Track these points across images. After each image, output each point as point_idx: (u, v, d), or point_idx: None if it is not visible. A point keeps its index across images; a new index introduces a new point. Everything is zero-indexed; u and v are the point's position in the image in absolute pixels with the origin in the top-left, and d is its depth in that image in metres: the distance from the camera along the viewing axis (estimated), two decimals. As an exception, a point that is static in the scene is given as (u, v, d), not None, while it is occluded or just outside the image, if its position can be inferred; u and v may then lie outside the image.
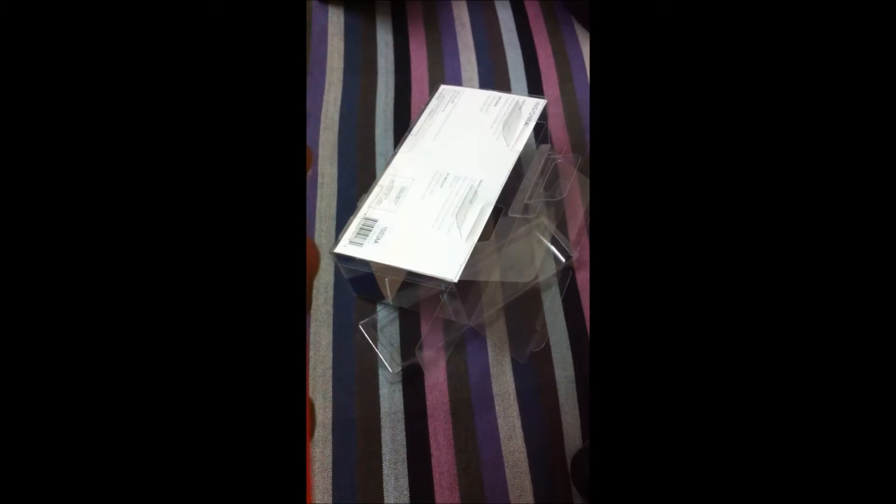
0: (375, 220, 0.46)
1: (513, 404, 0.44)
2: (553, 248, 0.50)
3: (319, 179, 0.56)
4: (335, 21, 0.68)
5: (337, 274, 0.50)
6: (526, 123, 0.51)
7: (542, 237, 0.50)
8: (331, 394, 0.45)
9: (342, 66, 0.64)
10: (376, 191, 0.48)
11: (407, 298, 0.47)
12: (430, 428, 0.44)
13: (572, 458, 0.42)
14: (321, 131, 0.59)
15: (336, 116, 0.60)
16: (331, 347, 0.47)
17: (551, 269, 0.49)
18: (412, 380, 0.45)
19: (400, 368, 0.45)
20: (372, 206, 0.47)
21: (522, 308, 0.48)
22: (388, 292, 0.47)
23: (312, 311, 0.48)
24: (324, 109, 0.60)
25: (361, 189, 0.55)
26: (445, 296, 0.43)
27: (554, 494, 0.41)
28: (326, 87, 0.62)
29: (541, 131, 0.54)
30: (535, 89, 0.62)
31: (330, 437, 0.43)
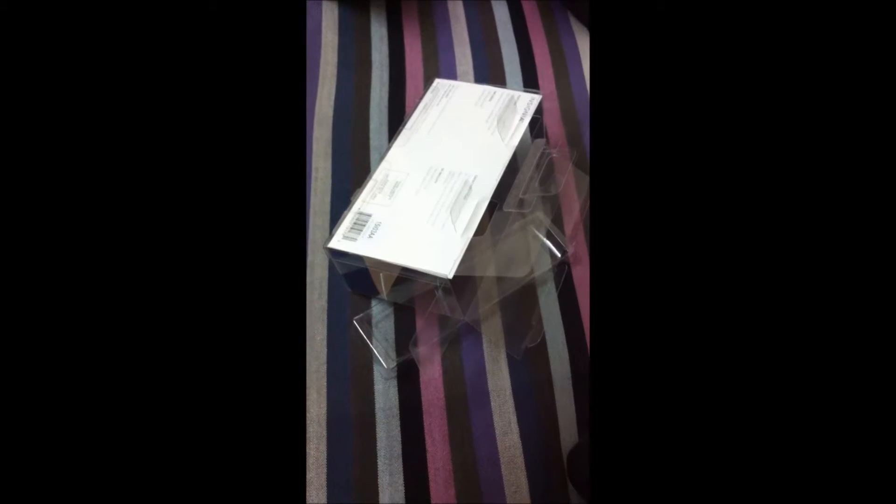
0: (369, 215, 0.45)
1: (508, 400, 0.44)
2: (548, 244, 0.49)
3: (313, 174, 0.55)
4: (329, 15, 0.67)
5: (331, 269, 0.50)
6: (521, 118, 0.51)
7: (537, 232, 0.49)
8: (325, 390, 0.45)
9: (336, 60, 0.63)
10: (370, 185, 0.47)
11: (402, 294, 0.47)
12: (426, 424, 0.43)
13: (568, 453, 0.42)
14: (315, 126, 0.58)
15: (330, 111, 0.59)
16: (325, 343, 0.47)
17: (547, 265, 0.49)
18: (407, 376, 0.45)
19: (395, 364, 0.45)
20: (366, 201, 0.46)
21: (518, 304, 0.48)
22: (383, 288, 0.47)
23: (307, 307, 0.48)
24: (318, 104, 0.60)
25: (356, 184, 0.54)
26: (440, 291, 0.43)
27: (550, 490, 0.41)
28: (320, 81, 0.61)
29: (536, 126, 0.54)
30: (530, 84, 0.62)
31: (325, 433, 0.43)
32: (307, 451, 0.42)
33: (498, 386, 0.45)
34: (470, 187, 0.46)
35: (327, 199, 0.54)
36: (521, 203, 0.48)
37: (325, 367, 0.46)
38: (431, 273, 0.42)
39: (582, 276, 0.49)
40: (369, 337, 0.46)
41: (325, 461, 0.42)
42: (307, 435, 0.43)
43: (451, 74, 0.63)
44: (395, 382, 0.45)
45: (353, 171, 0.55)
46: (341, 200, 0.54)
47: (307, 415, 0.44)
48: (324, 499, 0.41)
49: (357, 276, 0.46)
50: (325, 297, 0.49)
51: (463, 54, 0.64)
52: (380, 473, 0.42)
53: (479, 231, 0.45)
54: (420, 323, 0.47)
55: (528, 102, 0.52)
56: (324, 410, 0.44)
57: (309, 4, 0.68)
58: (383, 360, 0.45)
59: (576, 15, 0.67)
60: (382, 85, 0.62)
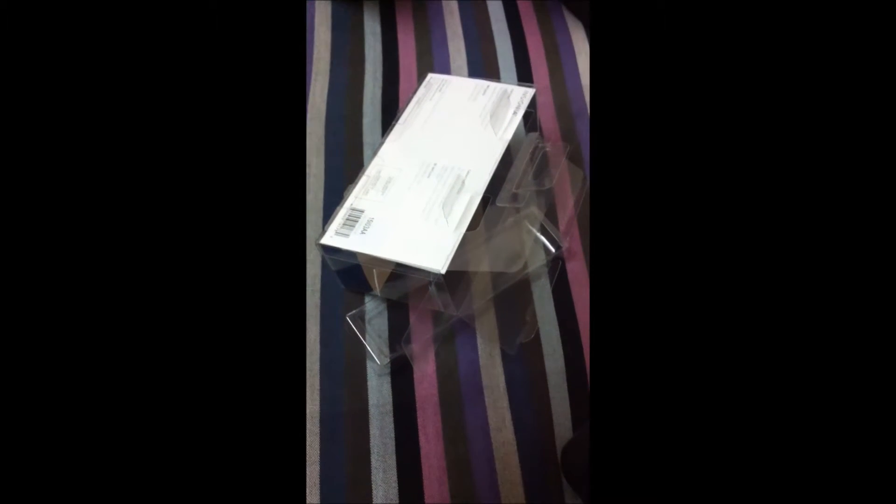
0: (362, 211, 0.45)
1: (502, 396, 0.44)
2: (542, 238, 0.49)
3: (306, 170, 0.55)
4: (322, 11, 0.67)
5: (324, 266, 0.49)
6: (514, 112, 0.50)
7: (531, 227, 0.49)
8: (318, 387, 0.44)
9: (329, 56, 0.63)
10: (363, 181, 0.47)
11: (395, 290, 0.47)
12: (419, 420, 0.43)
13: (562, 449, 0.42)
14: (308, 122, 0.58)
15: (323, 107, 0.59)
16: (318, 340, 0.46)
17: (541, 259, 0.49)
18: (401, 372, 0.45)
19: (388, 361, 0.45)
20: (359, 197, 0.46)
21: (512, 299, 0.48)
22: (376, 284, 0.46)
23: (299, 304, 0.48)
24: (311, 100, 0.59)
25: (348, 180, 0.54)
26: (433, 287, 0.43)
27: (544, 486, 0.41)
28: (313, 77, 0.61)
29: (529, 119, 0.53)
30: (524, 78, 0.61)
31: (318, 430, 0.43)
32: (300, 448, 0.42)
33: (492, 381, 0.44)
34: (463, 182, 0.46)
35: (320, 194, 0.53)
36: (514, 197, 0.48)
37: (318, 364, 0.45)
38: (424, 268, 0.42)
39: (576, 271, 0.49)
40: (362, 333, 0.46)
41: (318, 458, 0.42)
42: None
43: (445, 69, 0.62)
44: (388, 379, 0.45)
45: (345, 167, 0.55)
46: (334, 196, 0.53)
47: (300, 412, 0.43)
48: (317, 496, 0.41)
49: (350, 273, 0.46)
50: (317, 293, 0.48)
51: (457, 49, 0.64)
52: (373, 470, 0.41)
53: (473, 226, 0.44)
54: (413, 319, 0.47)
55: (521, 96, 0.52)
56: (317, 407, 0.44)
57: (302, 0, 0.67)
58: (376, 357, 0.45)
59: (570, 9, 0.67)
60: (376, 81, 0.61)
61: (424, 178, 0.47)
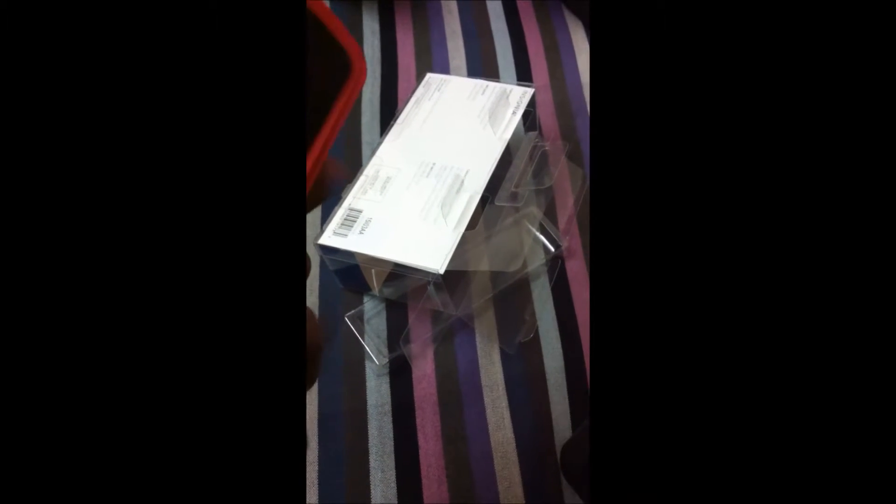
0: (360, 211, 0.45)
1: (501, 395, 0.44)
2: (542, 237, 0.49)
3: (305, 170, 0.55)
4: (321, 10, 0.67)
5: (322, 266, 0.49)
6: (514, 112, 0.50)
7: (530, 226, 0.49)
8: (316, 387, 0.44)
9: (328, 55, 0.63)
10: (361, 181, 0.47)
11: (394, 290, 0.47)
12: (418, 420, 0.43)
13: (562, 448, 0.42)
14: (307, 121, 0.58)
15: (322, 106, 0.59)
16: (317, 340, 0.46)
17: (540, 259, 0.49)
18: (400, 372, 0.45)
19: (387, 360, 0.45)
20: (357, 197, 0.46)
21: (511, 298, 0.47)
22: (375, 284, 0.46)
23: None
24: (309, 99, 0.59)
25: (347, 179, 0.54)
26: (432, 287, 0.43)
27: (543, 485, 0.41)
28: (312, 76, 0.61)
29: (529, 119, 0.53)
30: (523, 76, 0.61)
31: (316, 430, 0.43)
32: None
33: (491, 381, 0.44)
34: (462, 181, 0.46)
35: (319, 194, 0.53)
36: (513, 196, 0.48)
37: (316, 363, 0.45)
38: (423, 268, 0.42)
39: (576, 270, 0.49)
40: (361, 334, 0.46)
41: (316, 458, 0.42)
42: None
43: (444, 68, 0.62)
44: (387, 379, 0.45)
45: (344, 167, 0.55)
46: (332, 196, 0.53)
47: (299, 412, 0.43)
48: (315, 497, 0.41)
49: (348, 273, 0.46)
50: (315, 293, 0.48)
51: (456, 47, 0.64)
52: (372, 470, 0.41)
53: (472, 225, 0.44)
54: (412, 319, 0.47)
55: (520, 95, 0.52)
56: (315, 408, 0.44)
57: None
58: (375, 357, 0.45)
59: (569, 7, 0.66)
60: (374, 80, 0.61)
61: (423, 178, 0.47)
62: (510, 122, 0.50)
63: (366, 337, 0.46)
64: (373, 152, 0.49)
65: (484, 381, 0.44)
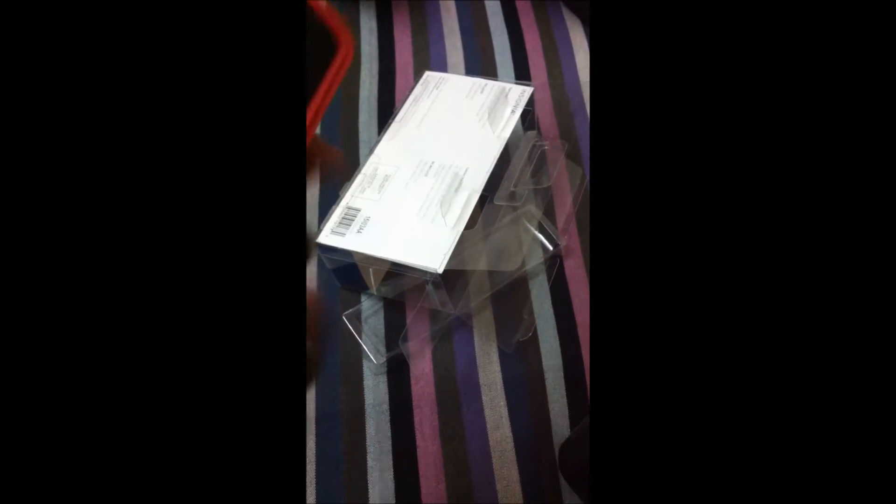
0: (358, 210, 0.45)
1: (500, 394, 0.44)
2: (540, 236, 0.49)
3: (303, 168, 0.55)
4: (318, 7, 0.67)
5: (320, 264, 0.49)
6: (512, 111, 0.50)
7: (528, 225, 0.49)
8: (314, 386, 0.44)
9: (326, 52, 0.63)
10: (359, 179, 0.47)
11: (392, 289, 0.47)
12: (416, 419, 0.43)
13: (560, 447, 0.42)
14: (304, 119, 0.58)
15: (319, 104, 0.59)
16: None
17: (538, 258, 0.49)
18: (398, 371, 0.45)
19: (384, 359, 0.45)
20: (355, 195, 0.46)
21: (509, 297, 0.47)
22: (373, 282, 0.46)
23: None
24: (307, 97, 0.59)
25: (344, 178, 0.54)
26: (430, 286, 0.43)
27: (541, 484, 0.41)
28: (310, 74, 0.61)
29: (527, 118, 0.53)
30: (522, 74, 0.61)
31: (314, 429, 0.43)
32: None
33: (489, 380, 0.44)
34: (460, 180, 0.46)
35: (315, 193, 0.53)
36: (512, 196, 0.48)
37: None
38: (421, 267, 0.42)
39: (574, 269, 0.49)
40: (359, 332, 0.46)
41: (313, 457, 0.42)
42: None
43: (442, 67, 0.62)
44: (384, 378, 0.45)
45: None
46: (330, 195, 0.53)
47: (297, 411, 0.43)
48: (313, 496, 0.41)
49: (346, 271, 0.46)
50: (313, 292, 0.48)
51: (453, 45, 0.64)
52: (369, 470, 0.41)
53: (470, 224, 0.44)
54: (410, 318, 0.47)
55: (519, 94, 0.51)
56: (312, 407, 0.44)
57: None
58: (373, 356, 0.45)
59: (568, 5, 0.66)
60: (372, 78, 0.61)
61: (421, 177, 0.46)
62: (509, 120, 0.50)
63: (363, 336, 0.46)
64: (371, 151, 0.49)
65: (482, 379, 0.44)
